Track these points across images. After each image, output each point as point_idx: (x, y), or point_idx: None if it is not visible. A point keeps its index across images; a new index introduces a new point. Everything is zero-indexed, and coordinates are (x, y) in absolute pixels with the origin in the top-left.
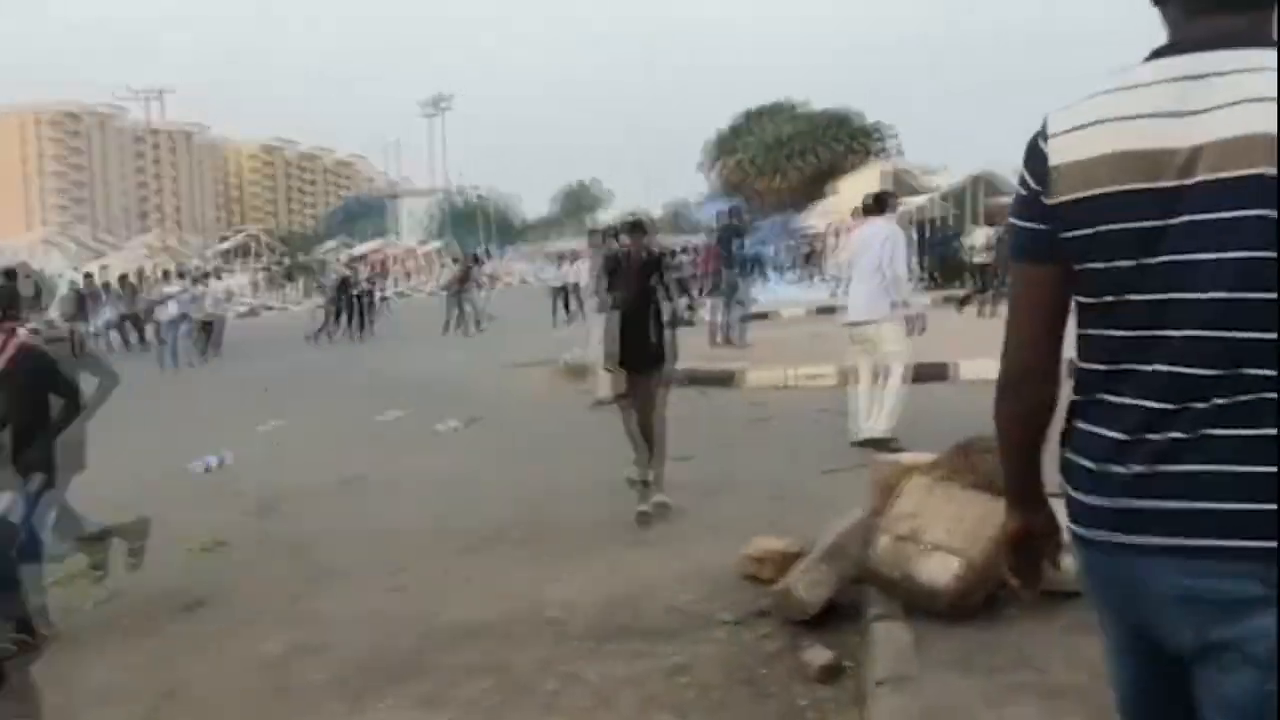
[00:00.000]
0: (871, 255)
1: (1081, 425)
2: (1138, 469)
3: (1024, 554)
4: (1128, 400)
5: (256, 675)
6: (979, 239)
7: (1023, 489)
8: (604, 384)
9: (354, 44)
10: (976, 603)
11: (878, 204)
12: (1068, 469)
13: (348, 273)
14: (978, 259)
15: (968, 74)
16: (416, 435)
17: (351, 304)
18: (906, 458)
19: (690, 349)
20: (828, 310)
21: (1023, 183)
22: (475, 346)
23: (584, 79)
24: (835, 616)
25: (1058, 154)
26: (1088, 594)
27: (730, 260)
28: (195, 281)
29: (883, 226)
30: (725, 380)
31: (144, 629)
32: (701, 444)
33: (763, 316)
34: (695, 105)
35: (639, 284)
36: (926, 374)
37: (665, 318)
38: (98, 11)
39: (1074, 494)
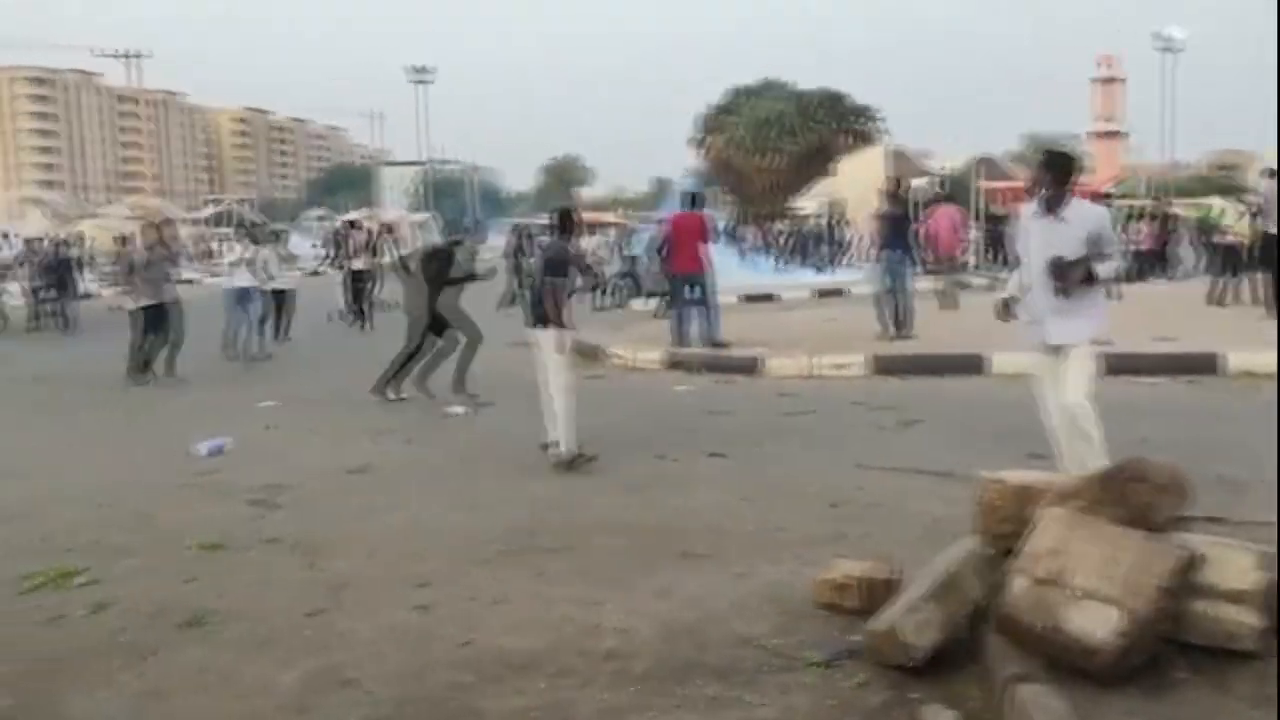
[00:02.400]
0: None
1: None
2: None
3: None
4: None
5: (273, 715)
6: (1228, 217)
7: None
8: None
9: (335, 14)
10: (1138, 663)
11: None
12: None
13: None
14: (1227, 239)
15: (946, 61)
16: (424, 420)
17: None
18: (1014, 477)
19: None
20: (832, 293)
21: None
22: None
23: (566, 55)
24: (943, 663)
25: None
26: None
27: (899, 239)
28: (257, 243)
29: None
30: (747, 369)
31: (141, 648)
32: (734, 439)
33: (768, 298)
34: (681, 81)
35: None
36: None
37: None
38: None
39: None
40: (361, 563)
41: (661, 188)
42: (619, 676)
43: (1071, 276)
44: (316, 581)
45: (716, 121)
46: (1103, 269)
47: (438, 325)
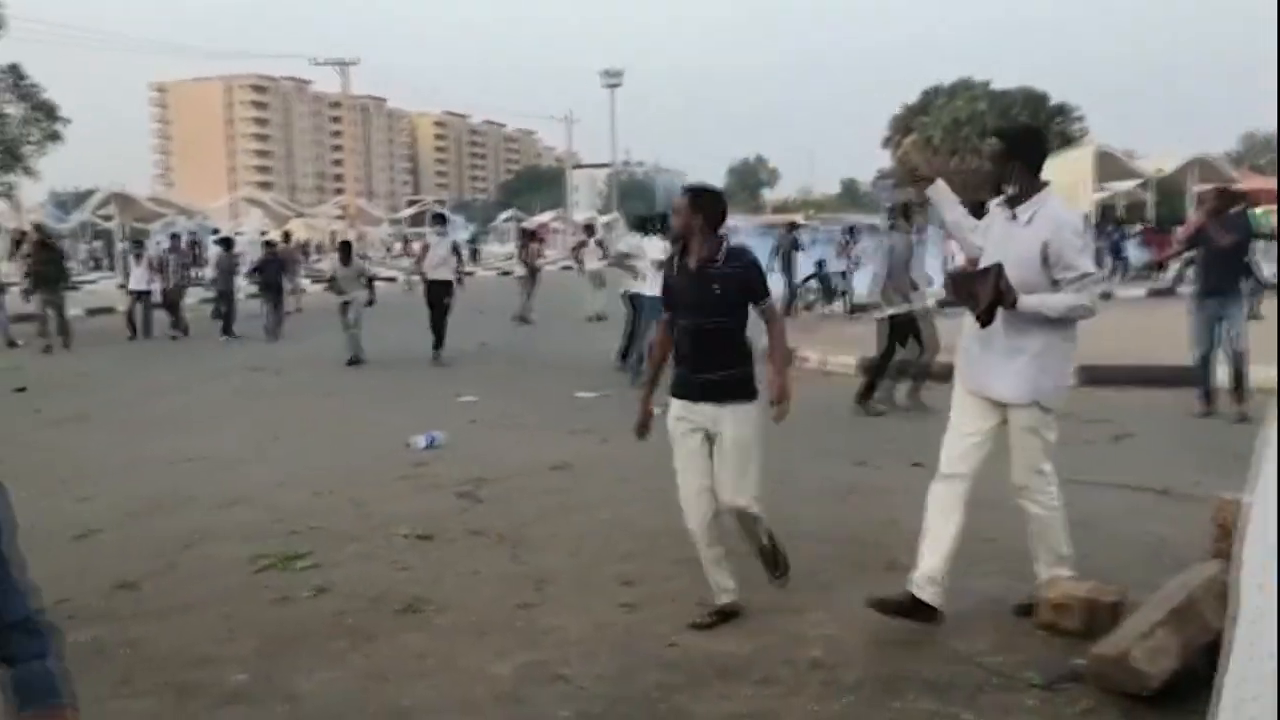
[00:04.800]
0: None
1: None
2: None
3: None
4: None
5: (490, 705)
6: None
7: None
8: None
9: (524, 19)
10: None
11: None
12: None
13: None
14: None
15: (1153, 57)
16: (619, 419)
17: None
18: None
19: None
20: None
21: None
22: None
23: (755, 55)
24: (1176, 695)
25: None
26: None
27: (1235, 274)
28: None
29: None
30: (946, 375)
31: (362, 631)
32: (935, 448)
33: None
34: (867, 82)
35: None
36: None
37: None
38: None
39: None
40: (565, 558)
41: (850, 189)
42: (828, 686)
43: (973, 294)
44: (522, 575)
45: (909, 122)
46: (1033, 300)
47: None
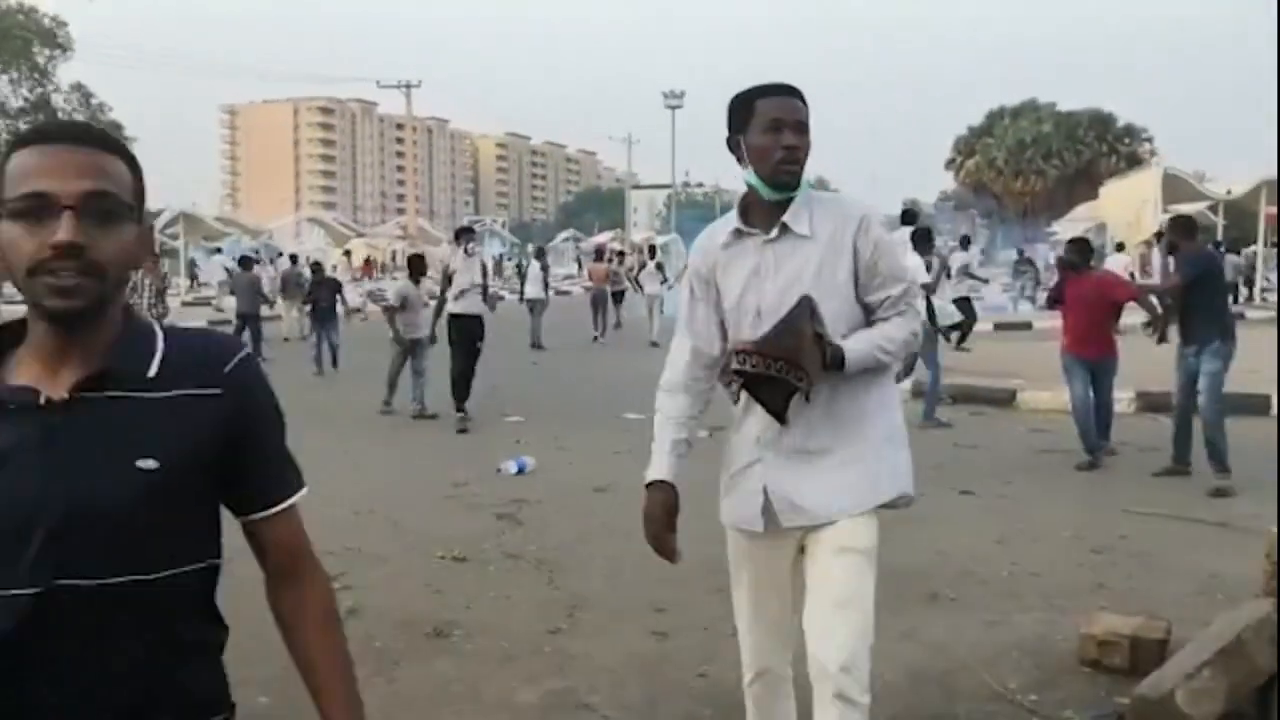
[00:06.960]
0: None
1: None
2: None
3: None
4: None
5: None
6: None
7: None
8: None
9: (591, 42)
10: None
11: None
12: None
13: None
14: None
15: (1228, 75)
16: None
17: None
18: None
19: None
20: None
21: None
22: None
23: (813, 73)
24: None
25: None
26: None
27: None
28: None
29: None
30: (1002, 401)
31: (390, 655)
32: (984, 476)
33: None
34: (930, 104)
35: None
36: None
37: None
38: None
39: None
40: (600, 583)
41: (910, 213)
42: None
43: (792, 360)
44: (556, 600)
45: (973, 144)
46: (862, 345)
47: None
